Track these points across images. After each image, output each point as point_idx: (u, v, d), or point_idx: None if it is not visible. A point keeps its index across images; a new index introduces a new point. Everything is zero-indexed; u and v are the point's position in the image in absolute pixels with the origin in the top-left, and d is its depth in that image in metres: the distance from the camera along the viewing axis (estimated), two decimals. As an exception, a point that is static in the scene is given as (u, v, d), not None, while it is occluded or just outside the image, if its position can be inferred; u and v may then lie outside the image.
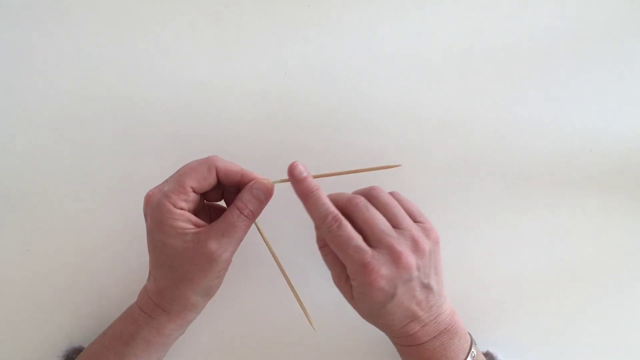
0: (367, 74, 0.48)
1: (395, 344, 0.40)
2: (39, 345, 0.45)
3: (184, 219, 0.37)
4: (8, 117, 0.46)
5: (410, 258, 0.36)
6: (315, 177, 0.38)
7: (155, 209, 0.37)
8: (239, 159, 0.46)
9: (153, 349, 0.39)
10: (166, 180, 0.38)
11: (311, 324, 0.40)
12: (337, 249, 0.36)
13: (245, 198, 0.38)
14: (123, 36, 0.47)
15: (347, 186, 0.42)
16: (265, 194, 0.38)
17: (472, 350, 0.39)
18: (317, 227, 0.38)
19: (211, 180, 0.38)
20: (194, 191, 0.37)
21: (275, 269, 0.43)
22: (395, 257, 0.36)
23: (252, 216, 0.38)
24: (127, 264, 0.46)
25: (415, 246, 0.37)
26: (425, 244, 0.37)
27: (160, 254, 0.38)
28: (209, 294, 0.39)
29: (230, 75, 0.47)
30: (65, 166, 0.46)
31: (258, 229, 0.41)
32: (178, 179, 0.37)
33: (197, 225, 0.37)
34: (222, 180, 0.39)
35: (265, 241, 0.41)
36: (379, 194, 0.39)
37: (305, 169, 0.38)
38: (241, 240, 0.38)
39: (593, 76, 0.49)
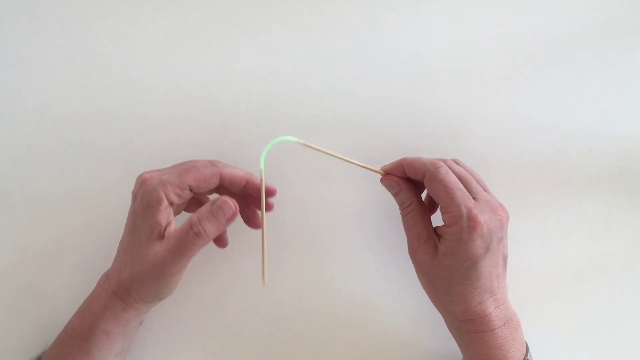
0: (367, 74, 0.48)
1: (463, 331, 0.39)
2: (38, 345, 0.45)
3: (167, 216, 0.36)
4: (8, 117, 0.46)
5: (504, 214, 0.38)
6: (306, 145, 0.38)
7: (148, 194, 0.35)
8: (238, 158, 0.46)
9: (114, 339, 0.38)
10: (167, 169, 0.38)
11: (263, 277, 0.37)
12: (444, 191, 0.37)
13: (203, 213, 0.35)
14: (123, 36, 0.47)
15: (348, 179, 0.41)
16: (226, 214, 0.35)
17: (528, 346, 0.41)
18: (424, 172, 0.38)
19: (211, 185, 0.38)
20: (190, 189, 0.36)
21: (274, 269, 0.43)
22: (494, 209, 0.37)
23: (206, 236, 0.35)
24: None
25: (504, 212, 0.38)
26: (505, 213, 0.39)
27: (133, 238, 0.37)
28: (159, 297, 0.38)
29: (231, 75, 0.47)
30: (65, 166, 0.46)
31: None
32: (179, 173, 0.36)
33: (166, 231, 0.36)
34: (227, 186, 0.39)
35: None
36: (459, 163, 0.41)
37: (397, 183, 0.40)
38: (192, 256, 0.35)
39: (593, 76, 0.49)
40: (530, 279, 0.47)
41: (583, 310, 0.47)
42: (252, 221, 0.42)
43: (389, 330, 0.46)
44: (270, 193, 0.40)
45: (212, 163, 0.38)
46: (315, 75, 0.48)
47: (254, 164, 0.44)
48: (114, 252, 0.46)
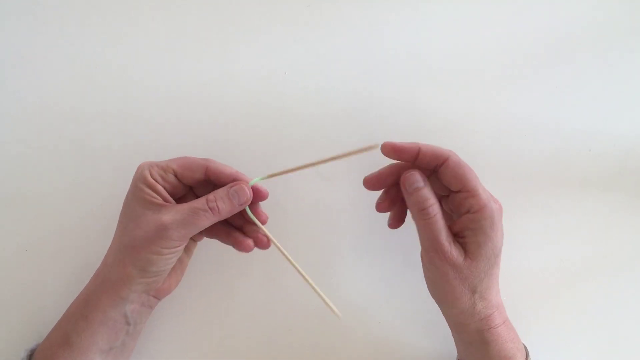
0: (367, 74, 0.48)
1: (484, 330, 0.39)
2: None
3: (154, 189, 0.37)
4: (8, 117, 0.46)
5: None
6: (270, 175, 0.39)
7: (136, 174, 0.38)
8: (238, 158, 0.46)
9: (95, 329, 0.38)
10: None
11: (333, 311, 0.38)
12: (471, 175, 0.37)
13: (219, 194, 0.38)
14: (123, 36, 0.47)
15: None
16: (240, 199, 0.37)
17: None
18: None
19: (197, 175, 0.38)
20: (175, 176, 0.38)
21: (274, 269, 0.43)
22: (500, 207, 0.39)
23: (218, 212, 0.37)
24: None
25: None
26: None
27: (122, 214, 0.39)
28: (145, 269, 0.37)
29: (231, 75, 0.47)
30: (64, 166, 0.46)
31: (276, 246, 0.40)
32: (168, 160, 0.39)
33: (165, 201, 0.38)
34: (213, 180, 0.39)
35: (280, 251, 0.39)
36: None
37: (422, 177, 0.38)
38: (199, 229, 0.37)
39: (592, 76, 0.49)
40: (530, 279, 0.47)
41: (583, 310, 0.47)
42: (240, 244, 0.41)
43: (388, 331, 0.46)
44: (261, 197, 0.39)
45: (205, 159, 0.39)
46: (315, 75, 0.48)
47: (254, 164, 0.44)
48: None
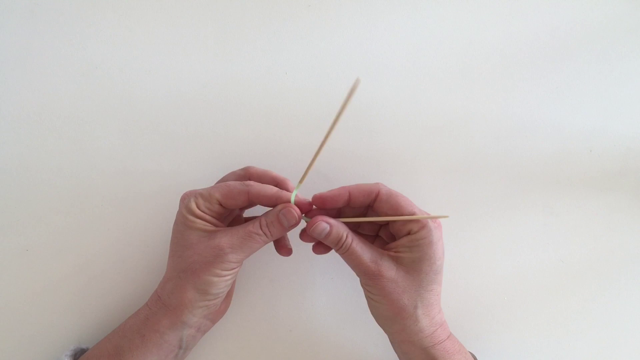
0: (367, 74, 0.48)
1: (429, 347, 0.39)
2: (38, 345, 0.45)
3: (204, 219, 0.39)
4: (8, 117, 0.46)
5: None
6: (348, 221, 0.39)
7: (182, 205, 0.39)
8: (238, 158, 0.46)
9: (148, 348, 0.39)
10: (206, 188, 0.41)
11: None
12: (406, 201, 0.39)
13: (270, 218, 0.39)
14: (123, 36, 0.47)
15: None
16: (289, 222, 0.38)
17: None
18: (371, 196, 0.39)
19: (239, 202, 0.39)
20: (220, 204, 0.39)
21: (274, 270, 0.43)
22: (438, 223, 0.39)
23: (270, 236, 0.39)
24: (127, 264, 0.46)
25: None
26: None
27: (175, 244, 0.39)
28: (206, 292, 0.38)
29: (231, 74, 0.47)
30: (64, 166, 0.46)
31: None
32: (210, 189, 0.39)
33: (216, 226, 0.39)
34: (256, 203, 0.39)
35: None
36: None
37: (326, 222, 0.39)
38: (253, 251, 0.39)
39: (593, 76, 0.49)
40: (530, 278, 0.47)
41: (583, 310, 0.47)
42: (283, 249, 0.43)
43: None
44: (304, 209, 0.40)
45: (244, 182, 0.39)
46: (315, 75, 0.48)
47: (253, 163, 0.44)
48: (114, 251, 0.46)
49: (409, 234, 0.38)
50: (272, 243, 0.42)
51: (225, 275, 0.38)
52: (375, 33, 0.48)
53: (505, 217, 0.47)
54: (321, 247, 0.42)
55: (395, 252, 0.39)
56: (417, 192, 0.47)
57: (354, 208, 0.41)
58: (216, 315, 0.43)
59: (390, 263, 0.38)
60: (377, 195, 0.39)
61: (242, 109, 0.47)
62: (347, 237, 0.39)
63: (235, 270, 0.39)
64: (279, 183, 0.40)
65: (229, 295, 0.44)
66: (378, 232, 0.43)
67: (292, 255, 0.43)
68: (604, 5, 0.49)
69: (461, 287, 0.47)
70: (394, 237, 0.41)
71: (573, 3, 0.49)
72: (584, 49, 0.49)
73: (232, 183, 0.39)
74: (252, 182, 0.39)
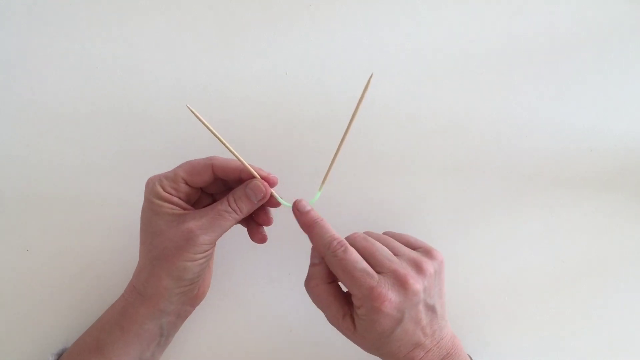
0: (367, 74, 0.48)
1: None
2: (38, 345, 0.45)
3: (171, 202, 0.38)
4: (7, 116, 0.46)
5: (415, 280, 0.36)
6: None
7: (147, 190, 0.39)
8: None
9: (129, 339, 0.39)
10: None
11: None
12: (343, 275, 0.36)
13: (237, 194, 0.38)
14: (122, 36, 0.47)
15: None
16: (257, 196, 0.38)
17: None
18: (323, 254, 0.38)
19: (206, 177, 0.39)
20: (186, 183, 0.38)
21: (274, 269, 0.43)
22: (401, 281, 0.35)
23: (240, 212, 0.38)
24: (127, 264, 0.46)
25: (419, 268, 0.37)
26: (429, 264, 0.37)
27: (144, 231, 0.39)
28: (181, 278, 0.38)
29: (230, 74, 0.47)
30: (65, 166, 0.46)
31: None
32: (174, 169, 0.39)
33: (185, 209, 0.38)
34: (221, 177, 0.39)
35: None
36: (372, 233, 0.41)
37: (308, 204, 0.39)
38: (224, 231, 0.38)
39: (593, 76, 0.49)
40: (530, 278, 0.47)
41: (583, 310, 0.47)
42: (256, 235, 0.42)
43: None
44: (271, 183, 0.40)
45: (208, 157, 0.39)
46: (315, 75, 0.48)
47: (253, 164, 0.44)
48: (114, 251, 0.46)
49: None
50: (246, 232, 0.42)
51: (198, 259, 0.37)
52: (375, 33, 0.48)
53: (505, 217, 0.47)
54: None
55: (355, 311, 0.37)
56: (417, 192, 0.47)
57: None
58: (195, 300, 0.42)
59: (349, 325, 0.37)
60: (325, 258, 0.38)
61: (242, 109, 0.47)
62: (339, 242, 0.37)
63: (209, 252, 0.38)
64: (243, 170, 0.40)
65: (207, 277, 0.43)
66: None
67: (292, 254, 0.43)
68: (604, 5, 0.49)
69: (461, 287, 0.47)
70: None
71: (573, 3, 0.49)
72: (584, 49, 0.49)
73: (195, 160, 0.39)
74: (215, 156, 0.39)
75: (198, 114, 0.37)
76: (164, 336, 0.40)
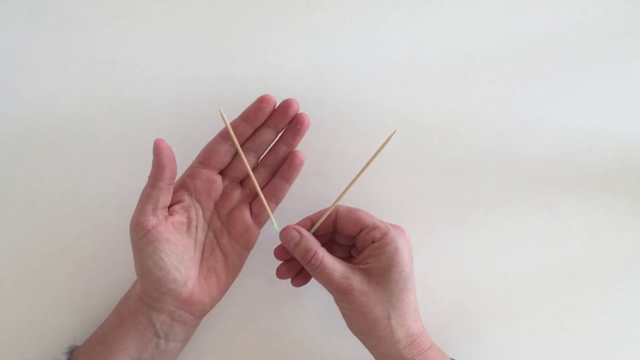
0: (367, 74, 0.48)
1: (405, 359, 0.38)
2: (38, 345, 0.45)
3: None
4: (7, 116, 0.46)
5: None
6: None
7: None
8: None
9: (125, 328, 0.39)
10: None
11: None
12: (364, 214, 0.39)
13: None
14: (122, 36, 0.47)
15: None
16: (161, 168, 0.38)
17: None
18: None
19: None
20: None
21: (274, 269, 0.43)
22: (401, 232, 0.39)
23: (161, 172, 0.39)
24: (128, 264, 0.46)
25: (400, 229, 0.40)
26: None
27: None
28: (143, 267, 0.38)
29: (230, 74, 0.47)
30: (65, 166, 0.46)
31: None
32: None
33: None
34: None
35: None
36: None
37: (297, 231, 0.39)
38: (158, 198, 0.38)
39: (593, 76, 0.49)
40: (530, 278, 0.47)
41: (583, 310, 0.47)
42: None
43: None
44: (302, 123, 0.41)
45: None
46: (315, 75, 0.48)
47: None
48: (114, 251, 0.46)
49: (373, 242, 0.38)
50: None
51: (149, 251, 0.37)
52: (375, 32, 0.48)
53: (505, 217, 0.47)
54: (300, 278, 0.42)
55: (364, 264, 0.38)
56: (416, 192, 0.47)
57: (320, 236, 0.41)
58: (190, 305, 0.39)
59: (362, 276, 0.38)
60: (337, 214, 0.40)
61: (242, 109, 0.47)
62: (317, 252, 0.38)
63: (161, 246, 0.37)
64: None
65: (211, 283, 0.41)
66: (350, 252, 0.43)
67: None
68: (604, 5, 0.49)
69: (461, 286, 0.47)
70: None
71: (573, 3, 0.49)
72: (584, 49, 0.49)
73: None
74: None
75: (227, 120, 0.38)
76: (162, 338, 0.39)
